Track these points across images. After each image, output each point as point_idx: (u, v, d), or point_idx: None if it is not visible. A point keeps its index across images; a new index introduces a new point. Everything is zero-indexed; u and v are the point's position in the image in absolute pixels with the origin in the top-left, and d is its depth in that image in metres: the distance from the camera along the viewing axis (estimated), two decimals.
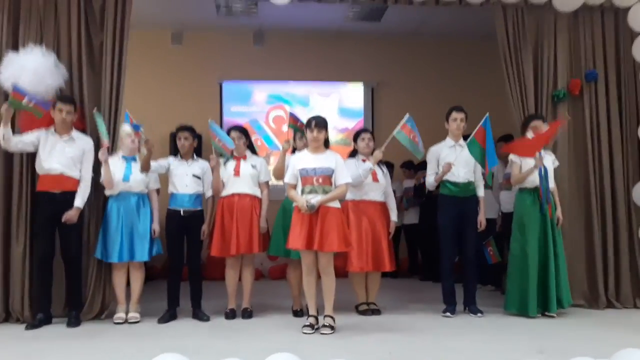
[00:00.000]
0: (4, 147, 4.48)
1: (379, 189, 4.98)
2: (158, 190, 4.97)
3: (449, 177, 4.89)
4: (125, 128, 4.76)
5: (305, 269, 4.34)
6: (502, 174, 6.09)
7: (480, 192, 5.03)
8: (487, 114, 4.84)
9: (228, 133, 4.99)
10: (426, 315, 4.92)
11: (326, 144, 4.43)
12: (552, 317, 4.76)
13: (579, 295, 5.24)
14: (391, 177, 7.34)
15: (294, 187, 4.36)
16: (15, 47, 4.72)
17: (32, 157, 4.65)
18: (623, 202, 5.41)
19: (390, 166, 7.40)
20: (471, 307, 4.91)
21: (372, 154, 4.97)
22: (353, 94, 8.56)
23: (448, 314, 4.85)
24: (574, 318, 4.83)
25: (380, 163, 5.07)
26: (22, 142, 4.50)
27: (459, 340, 4.05)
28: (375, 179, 4.94)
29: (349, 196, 4.82)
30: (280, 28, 7.93)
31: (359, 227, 4.83)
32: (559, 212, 4.95)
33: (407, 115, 4.96)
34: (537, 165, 4.78)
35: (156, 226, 4.79)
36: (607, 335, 4.20)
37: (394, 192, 7.30)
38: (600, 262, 5.33)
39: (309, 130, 4.34)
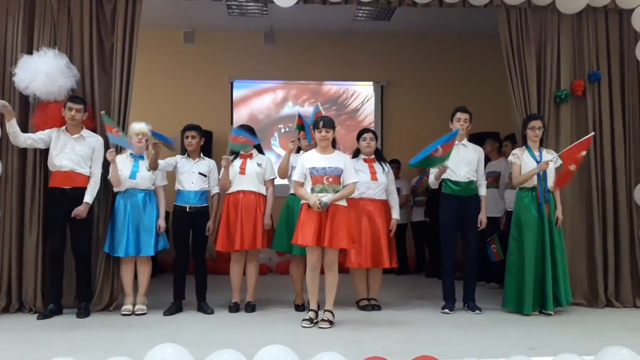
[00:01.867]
0: (14, 143, 4.67)
1: (379, 187, 5.06)
2: (165, 187, 5.12)
3: (450, 176, 4.97)
4: (134, 127, 4.91)
5: (311, 265, 4.45)
6: (508, 172, 6.14)
7: (482, 191, 5.09)
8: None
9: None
10: (425, 311, 5.01)
11: (333, 144, 4.55)
12: (550, 314, 4.83)
13: (579, 294, 5.29)
14: (398, 175, 7.52)
15: (302, 184, 4.48)
16: (29, 51, 4.91)
17: (45, 154, 4.85)
18: (625, 202, 5.43)
19: (396, 162, 7.52)
20: (470, 304, 4.99)
21: (373, 153, 5.08)
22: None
23: (447, 310, 4.93)
24: (572, 316, 4.88)
25: (382, 161, 5.18)
26: (31, 138, 4.69)
27: (453, 335, 4.15)
28: (374, 178, 5.03)
29: None
30: (290, 28, 8.06)
31: (358, 225, 4.91)
32: (558, 212, 4.99)
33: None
34: (542, 169, 4.85)
35: (162, 222, 4.95)
36: (601, 333, 4.25)
37: (399, 190, 7.47)
38: (601, 262, 5.36)
39: (317, 130, 4.47)
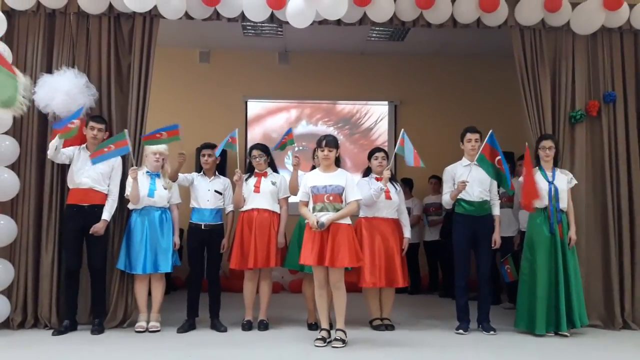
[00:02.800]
0: (51, 157, 4.77)
1: (392, 206, 5.07)
2: (179, 204, 5.16)
3: (463, 196, 4.96)
4: (151, 146, 4.97)
5: (317, 284, 4.46)
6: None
7: (496, 211, 5.07)
8: (491, 130, 4.87)
9: (250, 151, 5.20)
10: (439, 332, 4.98)
11: (337, 162, 4.57)
12: (565, 336, 4.77)
13: (595, 315, 5.22)
14: (411, 194, 7.52)
15: (306, 204, 4.50)
16: (49, 70, 5.02)
17: (62, 171, 4.93)
18: None
19: (408, 182, 7.53)
20: (484, 325, 4.95)
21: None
22: None
23: (461, 330, 4.90)
24: (587, 338, 4.83)
25: (393, 180, 5.19)
26: (64, 155, 4.79)
27: (465, 356, 4.12)
28: (388, 197, 5.04)
29: (361, 213, 4.98)
30: (305, 48, 8.13)
31: (372, 244, 4.93)
32: (572, 233, 4.95)
33: (402, 131, 5.03)
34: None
35: (177, 239, 4.99)
36: (617, 356, 4.21)
37: (410, 210, 7.46)
38: (617, 283, 5.30)
39: (319, 149, 4.50)
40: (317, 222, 4.30)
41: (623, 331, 5.16)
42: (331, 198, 4.39)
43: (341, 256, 4.31)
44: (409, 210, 7.41)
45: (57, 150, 4.68)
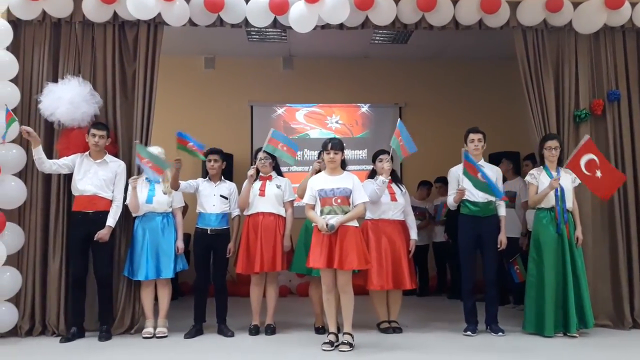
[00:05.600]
0: (40, 169, 4.80)
1: (398, 208, 5.08)
2: (186, 209, 5.15)
3: (468, 196, 4.94)
4: (150, 150, 4.99)
5: (325, 287, 4.45)
6: (524, 193, 6.09)
7: (502, 211, 5.05)
8: (463, 149, 4.87)
9: (255, 155, 5.21)
10: (447, 334, 4.96)
11: (343, 165, 4.58)
12: (574, 337, 4.75)
13: (604, 315, 5.20)
14: (427, 195, 7.53)
15: (313, 207, 4.51)
16: (55, 79, 5.07)
17: (68, 179, 4.96)
18: None
19: (427, 184, 7.56)
20: (492, 326, 4.93)
21: (390, 175, 5.10)
22: None
23: (469, 332, 4.88)
24: (596, 338, 4.79)
25: (398, 182, 5.20)
26: (56, 164, 4.81)
27: (474, 358, 4.11)
28: (393, 199, 5.05)
29: (368, 215, 4.97)
30: (309, 52, 8.15)
31: (378, 246, 4.93)
32: (578, 232, 4.93)
33: (398, 121, 5.05)
34: (553, 187, 4.82)
35: (180, 243, 5.00)
36: (624, 356, 4.18)
37: (425, 210, 7.46)
38: (626, 282, 5.27)
39: (325, 152, 4.51)
40: (327, 225, 4.30)
41: (633, 331, 5.12)
42: (339, 201, 4.40)
43: (349, 259, 4.30)
44: (424, 211, 7.46)
45: (39, 160, 4.69)
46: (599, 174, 4.76)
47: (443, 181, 7.42)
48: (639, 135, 5.46)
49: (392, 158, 5.12)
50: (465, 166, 4.81)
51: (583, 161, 4.76)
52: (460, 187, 4.88)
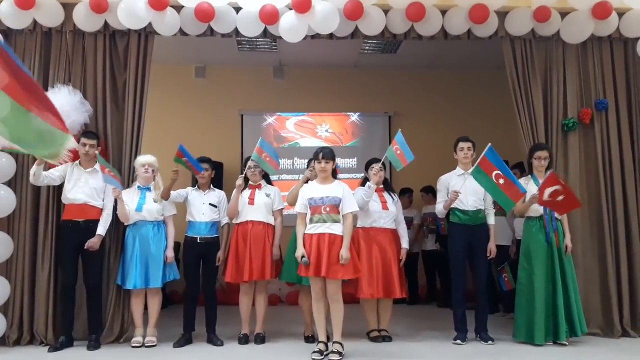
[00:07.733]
0: (33, 183, 4.78)
1: (389, 216, 5.08)
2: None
3: (458, 205, 4.97)
4: (139, 159, 4.99)
5: (315, 296, 4.45)
6: None
7: (491, 220, 5.07)
8: (490, 144, 4.78)
9: (245, 163, 5.21)
10: (437, 343, 4.97)
11: (334, 174, 4.59)
12: (564, 345, 4.76)
13: (594, 324, 5.22)
14: (410, 204, 7.55)
15: (304, 217, 4.52)
16: (45, 87, 5.04)
17: (58, 188, 4.94)
18: (637, 230, 5.38)
19: (409, 192, 7.56)
20: (482, 335, 4.94)
21: (382, 183, 5.11)
22: None
23: (459, 341, 4.89)
24: (586, 347, 4.81)
25: (390, 191, 5.22)
26: (48, 177, 4.78)
27: None
28: (385, 207, 5.06)
29: (359, 224, 4.99)
30: (299, 62, 8.19)
31: (369, 255, 4.93)
32: (567, 241, 4.96)
33: (399, 132, 5.09)
34: (533, 203, 4.84)
35: (169, 252, 4.97)
36: None
37: (412, 219, 7.47)
38: (615, 290, 5.30)
39: (317, 162, 4.52)
40: (302, 259, 4.34)
41: (622, 339, 5.13)
42: (328, 209, 4.40)
43: (338, 268, 4.31)
44: (411, 220, 7.47)
45: (35, 176, 4.67)
46: (560, 198, 4.75)
47: (430, 191, 7.50)
48: (627, 144, 5.51)
49: (384, 166, 5.14)
50: (480, 164, 4.71)
51: (547, 193, 4.77)
52: (454, 190, 4.88)
